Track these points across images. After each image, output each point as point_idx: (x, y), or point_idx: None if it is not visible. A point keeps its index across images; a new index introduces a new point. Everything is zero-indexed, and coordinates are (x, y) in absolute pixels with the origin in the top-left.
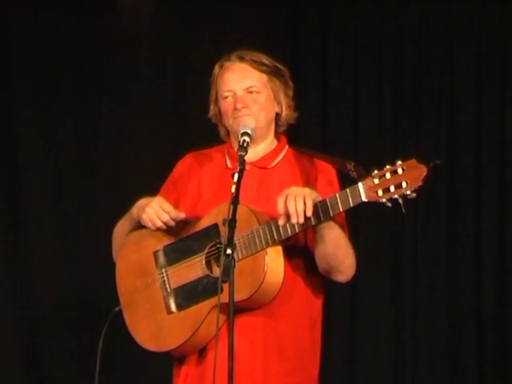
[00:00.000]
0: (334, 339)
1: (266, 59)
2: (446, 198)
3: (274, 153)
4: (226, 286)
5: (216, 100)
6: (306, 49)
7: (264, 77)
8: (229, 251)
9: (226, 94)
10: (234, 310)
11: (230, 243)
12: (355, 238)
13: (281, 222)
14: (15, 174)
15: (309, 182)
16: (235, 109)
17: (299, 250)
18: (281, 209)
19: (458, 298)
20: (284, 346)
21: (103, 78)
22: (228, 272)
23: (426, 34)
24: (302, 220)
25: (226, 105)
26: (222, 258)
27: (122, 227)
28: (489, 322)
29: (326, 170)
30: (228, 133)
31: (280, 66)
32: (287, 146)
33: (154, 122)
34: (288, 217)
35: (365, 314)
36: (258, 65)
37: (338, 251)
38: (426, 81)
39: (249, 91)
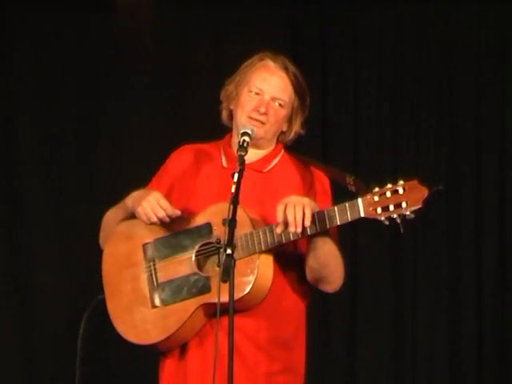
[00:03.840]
0: (334, 341)
1: (302, 79)
2: (446, 199)
3: (270, 156)
4: (215, 286)
5: (238, 84)
6: (306, 49)
7: (293, 95)
8: (229, 251)
9: (255, 89)
10: (233, 310)
11: (230, 243)
12: (355, 239)
13: (278, 230)
14: (15, 173)
15: (304, 188)
16: (256, 109)
17: (288, 256)
18: (280, 217)
19: (458, 296)
20: (267, 348)
21: (103, 78)
22: (228, 272)
23: (426, 34)
24: (299, 229)
25: (249, 99)
26: (223, 258)
27: (113, 216)
28: (489, 325)
29: (322, 179)
30: (230, 116)
31: (307, 91)
32: (283, 151)
33: (153, 122)
34: (286, 225)
35: (365, 316)
36: (296, 82)
37: (329, 262)
38: (426, 81)
39: (276, 101)
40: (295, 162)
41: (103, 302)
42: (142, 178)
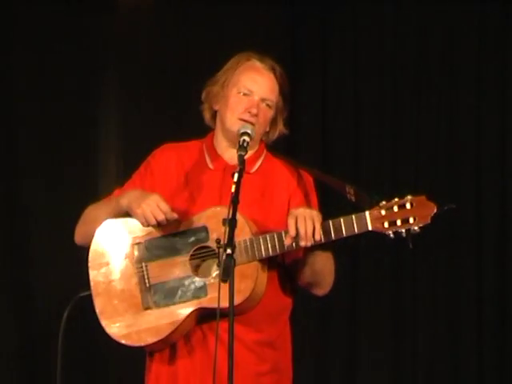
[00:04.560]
0: (334, 342)
1: (286, 79)
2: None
3: (255, 157)
4: (211, 291)
5: (225, 85)
6: (305, 49)
7: (278, 96)
8: (229, 251)
9: (245, 90)
10: (233, 311)
11: (230, 243)
12: (355, 240)
13: (287, 242)
14: (15, 174)
15: (289, 188)
16: (248, 111)
17: (277, 262)
18: (292, 231)
19: (458, 295)
20: (257, 349)
21: (103, 78)
22: (228, 272)
23: (426, 34)
24: (310, 243)
25: (238, 99)
26: (223, 258)
27: (97, 211)
28: (489, 325)
29: (307, 177)
30: (213, 117)
31: (289, 90)
32: (265, 151)
33: (153, 122)
34: (295, 237)
35: (365, 315)
36: (282, 83)
37: (324, 269)
38: (426, 81)
39: (264, 102)
40: (280, 161)
41: (85, 300)
42: None
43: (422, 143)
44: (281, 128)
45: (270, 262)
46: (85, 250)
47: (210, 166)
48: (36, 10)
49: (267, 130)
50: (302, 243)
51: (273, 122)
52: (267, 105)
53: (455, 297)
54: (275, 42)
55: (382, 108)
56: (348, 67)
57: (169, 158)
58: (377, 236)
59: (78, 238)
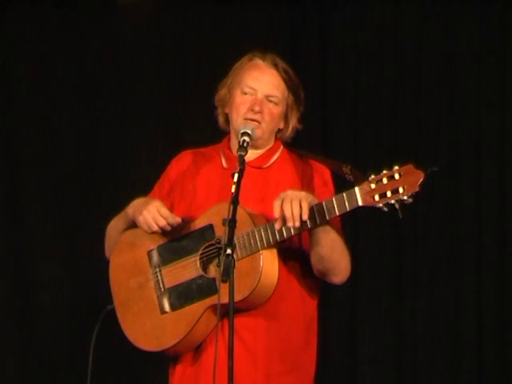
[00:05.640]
0: (333, 341)
1: (294, 74)
2: (446, 198)
3: (270, 153)
4: (223, 287)
5: (231, 87)
6: (305, 49)
7: (286, 91)
8: (229, 251)
9: (248, 90)
10: (233, 310)
11: (230, 243)
12: (355, 238)
13: (277, 226)
14: (15, 176)
15: (304, 182)
16: (251, 109)
17: (294, 252)
18: (277, 212)
19: (458, 293)
20: (277, 347)
21: (103, 78)
22: (228, 272)
23: (426, 34)
24: (297, 224)
25: (242, 100)
26: (222, 258)
27: (115, 225)
28: (489, 327)
29: (322, 171)
30: (227, 121)
31: (300, 85)
32: (282, 147)
33: (154, 122)
34: (284, 220)
35: (364, 314)
36: (287, 78)
37: (333, 254)
38: (425, 81)
39: (269, 99)
40: (294, 157)
41: (113, 313)
42: (142, 178)
43: (422, 142)
44: (294, 124)
45: (286, 254)
46: (83, 251)
47: (225, 165)
48: (35, 9)
49: (281, 126)
50: (290, 224)
51: (285, 119)
52: (273, 101)
53: (455, 293)
54: (275, 42)
55: (382, 108)
56: (348, 67)
57: (185, 163)
58: (372, 225)
59: (107, 253)
